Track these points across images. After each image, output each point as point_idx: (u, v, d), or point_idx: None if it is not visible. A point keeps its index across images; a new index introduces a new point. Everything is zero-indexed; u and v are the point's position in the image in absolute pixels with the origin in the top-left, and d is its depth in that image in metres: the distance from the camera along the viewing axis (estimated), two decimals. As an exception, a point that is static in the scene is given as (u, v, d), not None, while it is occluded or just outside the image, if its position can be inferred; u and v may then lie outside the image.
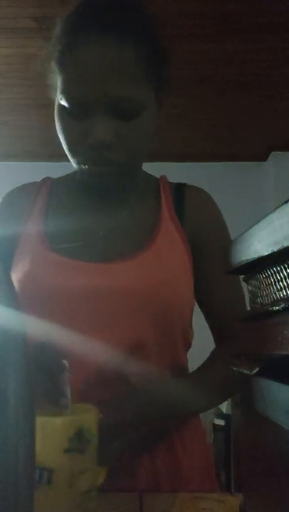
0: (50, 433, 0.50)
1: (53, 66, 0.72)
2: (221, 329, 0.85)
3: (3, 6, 2.12)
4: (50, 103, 0.80)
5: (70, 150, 0.74)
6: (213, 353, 0.84)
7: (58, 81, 0.72)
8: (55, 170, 0.81)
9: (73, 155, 0.74)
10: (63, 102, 0.71)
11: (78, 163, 0.75)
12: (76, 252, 0.76)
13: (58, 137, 0.76)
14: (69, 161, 0.78)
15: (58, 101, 0.73)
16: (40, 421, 0.50)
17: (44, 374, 0.60)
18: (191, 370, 0.83)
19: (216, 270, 0.81)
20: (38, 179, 0.89)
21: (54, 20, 0.74)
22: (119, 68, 0.67)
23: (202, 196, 0.87)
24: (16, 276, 0.76)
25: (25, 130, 3.38)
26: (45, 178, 0.89)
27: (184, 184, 0.88)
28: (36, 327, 0.66)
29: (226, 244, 0.87)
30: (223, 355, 0.76)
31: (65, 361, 0.61)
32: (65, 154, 0.77)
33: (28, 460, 0.31)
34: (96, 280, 0.73)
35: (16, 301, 0.34)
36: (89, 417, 0.53)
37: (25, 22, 2.23)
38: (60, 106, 0.72)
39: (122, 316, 0.72)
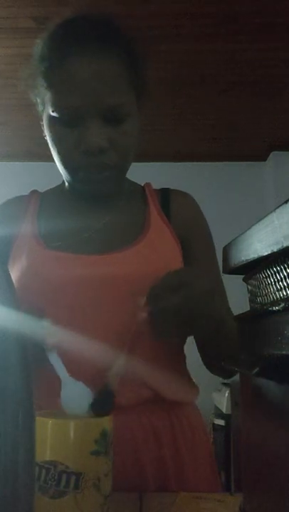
0: (76, 436, 0.49)
1: (40, 82, 0.76)
2: None
3: (3, 6, 2.12)
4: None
5: (63, 158, 0.77)
6: None
7: (46, 95, 0.76)
8: (55, 170, 0.82)
9: (67, 162, 0.77)
10: (55, 114, 0.74)
11: (72, 170, 0.77)
12: (71, 247, 0.79)
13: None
14: None
15: (47, 113, 0.76)
16: (61, 424, 0.50)
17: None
18: (189, 368, 0.84)
19: (202, 268, 0.83)
20: (38, 179, 0.90)
21: (54, 20, 0.76)
22: (109, 78, 0.73)
23: (187, 199, 0.91)
24: (13, 275, 0.78)
25: (25, 130, 3.38)
26: (33, 190, 0.92)
27: (168, 188, 0.92)
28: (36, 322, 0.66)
29: (210, 243, 0.89)
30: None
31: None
32: None
33: (28, 460, 0.31)
34: (95, 269, 0.76)
35: (16, 301, 0.34)
36: (108, 418, 0.53)
37: (25, 22, 2.23)
38: (51, 117, 0.76)
39: (122, 302, 0.74)
